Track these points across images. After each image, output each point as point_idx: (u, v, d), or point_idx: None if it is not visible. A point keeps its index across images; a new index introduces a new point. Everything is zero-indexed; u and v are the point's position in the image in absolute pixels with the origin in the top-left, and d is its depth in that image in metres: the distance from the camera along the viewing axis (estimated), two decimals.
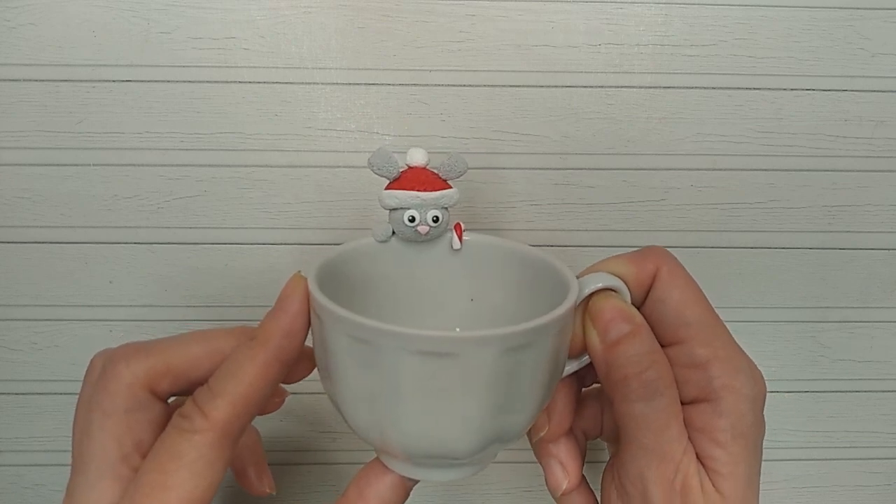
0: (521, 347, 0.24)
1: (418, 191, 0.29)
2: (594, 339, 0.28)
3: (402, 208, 0.29)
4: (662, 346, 0.28)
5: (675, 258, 0.29)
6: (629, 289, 0.28)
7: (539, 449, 0.31)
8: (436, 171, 0.29)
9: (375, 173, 0.29)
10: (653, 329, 0.28)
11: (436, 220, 0.29)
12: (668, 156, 0.37)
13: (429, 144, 0.37)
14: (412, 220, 0.29)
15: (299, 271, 0.26)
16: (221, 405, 0.24)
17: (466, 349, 0.23)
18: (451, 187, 0.29)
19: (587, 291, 0.28)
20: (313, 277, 0.26)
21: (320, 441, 0.42)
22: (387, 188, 0.29)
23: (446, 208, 0.29)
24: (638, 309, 0.28)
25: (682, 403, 0.27)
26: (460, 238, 0.30)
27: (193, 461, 0.24)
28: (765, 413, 0.28)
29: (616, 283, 0.28)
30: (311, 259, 0.29)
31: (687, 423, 0.27)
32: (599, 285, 0.28)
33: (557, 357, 0.26)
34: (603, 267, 0.29)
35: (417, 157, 0.29)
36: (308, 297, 0.26)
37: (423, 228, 0.29)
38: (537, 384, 0.26)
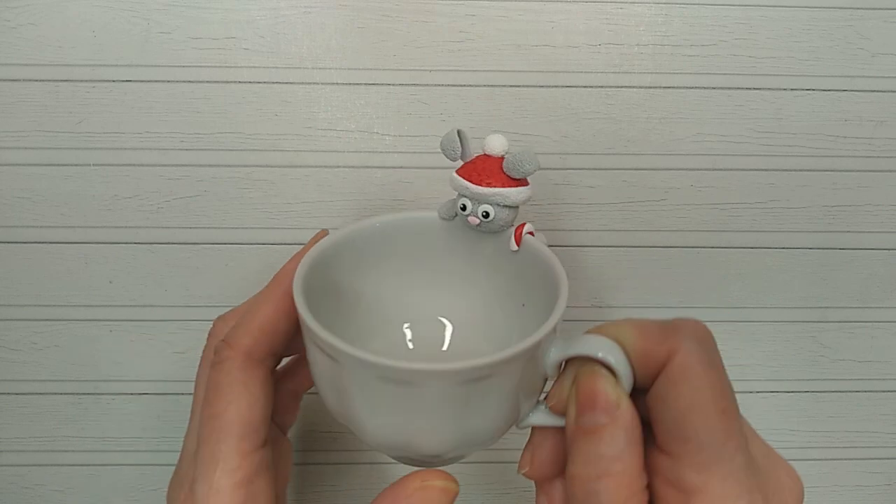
0: (480, 379, 0.24)
1: (469, 181, 0.28)
2: (571, 413, 0.25)
3: (458, 194, 0.29)
4: (657, 445, 0.24)
5: (705, 341, 0.24)
6: (635, 364, 0.24)
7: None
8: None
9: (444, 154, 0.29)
10: (653, 424, 0.24)
11: (486, 215, 0.28)
12: (668, 156, 0.37)
13: (429, 144, 0.37)
14: (463, 208, 0.28)
15: (326, 230, 0.30)
16: (241, 333, 0.28)
17: (424, 380, 0.24)
18: (512, 185, 0.27)
19: (571, 353, 0.25)
20: (302, 279, 0.27)
21: (321, 440, 0.42)
22: (456, 171, 0.29)
23: (506, 206, 0.28)
24: (648, 389, 0.24)
25: None
26: (517, 241, 0.29)
27: (229, 386, 0.27)
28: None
29: (615, 358, 0.24)
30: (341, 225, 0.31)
31: None
32: (596, 355, 0.24)
33: (524, 382, 0.25)
34: (615, 331, 0.25)
35: (491, 146, 0.28)
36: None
37: (473, 220, 0.28)
38: (504, 405, 0.25)
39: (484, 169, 0.28)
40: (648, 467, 0.23)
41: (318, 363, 0.26)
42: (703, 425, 0.22)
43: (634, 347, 0.24)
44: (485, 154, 0.28)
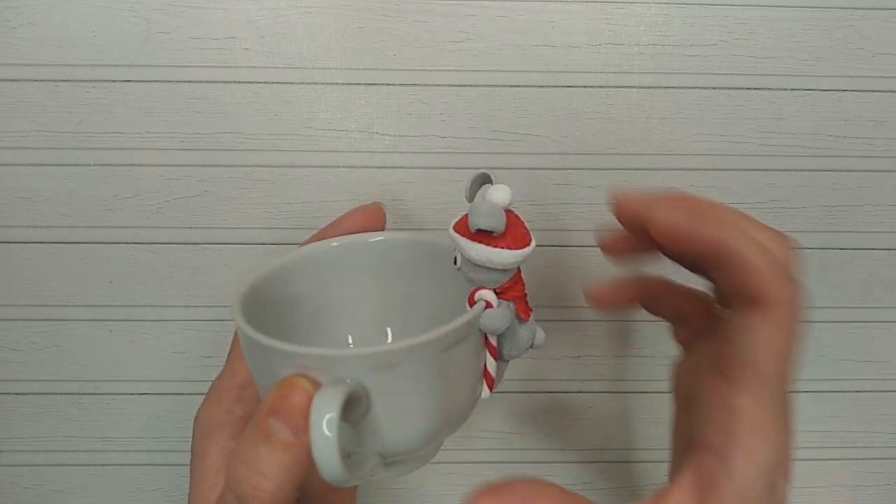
0: (455, 343, 0.25)
1: (453, 224, 0.26)
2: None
3: None
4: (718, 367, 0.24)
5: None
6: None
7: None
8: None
9: None
10: (719, 340, 0.25)
11: (455, 261, 0.26)
12: (668, 156, 0.37)
13: (429, 144, 0.37)
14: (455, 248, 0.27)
15: (379, 204, 0.34)
16: None
17: (408, 356, 0.24)
18: (475, 239, 0.24)
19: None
20: (240, 305, 0.27)
21: None
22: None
23: (469, 260, 0.25)
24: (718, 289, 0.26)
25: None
26: (469, 304, 0.26)
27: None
28: None
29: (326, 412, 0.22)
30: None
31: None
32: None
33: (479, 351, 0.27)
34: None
35: (490, 196, 0.25)
36: (366, 212, 0.33)
37: (454, 261, 0.27)
38: (471, 371, 0.27)
39: (467, 215, 0.26)
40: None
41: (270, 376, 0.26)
42: (775, 369, 0.23)
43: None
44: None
